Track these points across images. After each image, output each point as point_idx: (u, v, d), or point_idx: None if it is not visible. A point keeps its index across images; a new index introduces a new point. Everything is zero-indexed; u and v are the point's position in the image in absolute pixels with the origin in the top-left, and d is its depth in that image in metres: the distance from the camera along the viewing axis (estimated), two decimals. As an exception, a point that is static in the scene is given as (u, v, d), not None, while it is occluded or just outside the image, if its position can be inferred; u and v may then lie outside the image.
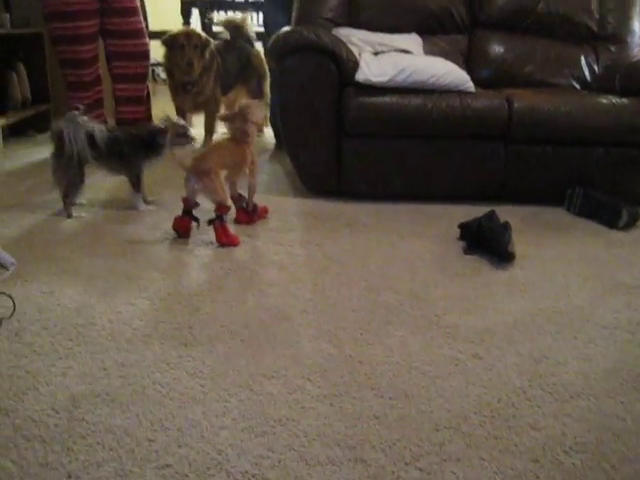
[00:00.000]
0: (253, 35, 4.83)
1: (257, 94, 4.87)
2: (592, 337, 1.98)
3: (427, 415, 1.57)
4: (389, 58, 3.25)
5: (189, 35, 4.24)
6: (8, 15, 4.55)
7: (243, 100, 2.92)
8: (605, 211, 3.10)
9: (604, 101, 3.33)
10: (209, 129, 4.57)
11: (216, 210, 2.64)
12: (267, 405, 1.59)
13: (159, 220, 2.91)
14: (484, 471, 1.38)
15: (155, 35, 4.46)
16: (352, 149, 3.23)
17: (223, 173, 2.66)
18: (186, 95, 4.39)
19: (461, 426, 1.53)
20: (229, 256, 2.53)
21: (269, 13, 4.39)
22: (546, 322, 2.06)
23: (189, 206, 2.71)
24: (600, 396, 1.67)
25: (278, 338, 1.91)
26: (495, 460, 1.41)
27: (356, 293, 2.22)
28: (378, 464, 1.39)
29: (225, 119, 2.95)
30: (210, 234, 2.66)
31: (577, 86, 3.86)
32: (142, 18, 4.30)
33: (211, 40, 4.37)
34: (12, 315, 2.00)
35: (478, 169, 3.24)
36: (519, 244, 2.62)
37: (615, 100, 3.32)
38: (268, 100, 4.76)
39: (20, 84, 4.63)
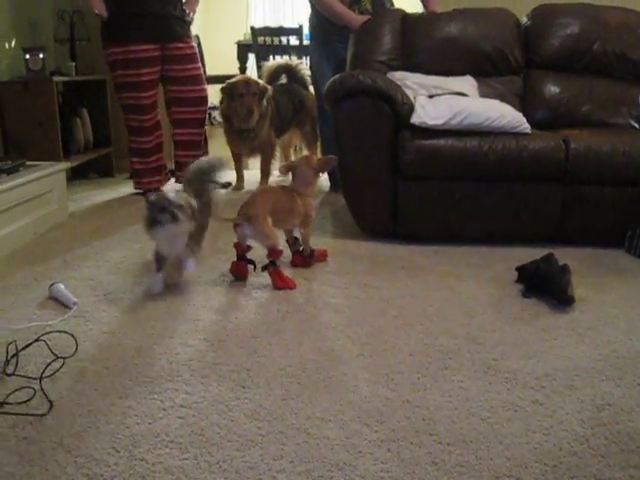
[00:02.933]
0: (307, 78, 4.92)
1: (311, 136, 4.95)
2: (657, 384, 1.93)
3: (486, 462, 1.54)
4: (445, 101, 3.27)
5: (248, 83, 4.32)
6: (74, 64, 4.73)
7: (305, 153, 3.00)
8: (667, 253, 3.04)
9: (663, 140, 3.28)
10: (265, 172, 4.65)
11: (268, 255, 2.67)
12: (324, 449, 1.58)
13: (216, 262, 2.95)
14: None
15: (212, 80, 4.57)
16: (408, 191, 3.24)
17: (270, 218, 2.67)
18: (242, 141, 4.47)
19: (522, 475, 1.49)
20: (286, 298, 2.55)
21: (314, 57, 4.45)
22: (608, 367, 2.01)
23: (242, 251, 2.74)
24: (667, 446, 1.62)
25: (335, 381, 1.90)
26: (558, 510, 1.38)
27: (413, 337, 2.21)
28: (437, 512, 1.37)
29: (287, 169, 2.93)
30: (267, 276, 2.68)
31: (636, 125, 3.81)
32: (201, 64, 4.42)
33: (268, 87, 4.46)
34: (74, 354, 2.05)
35: (535, 211, 3.20)
36: (578, 287, 2.58)
37: (676, 139, 3.26)
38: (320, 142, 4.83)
39: (83, 129, 4.79)
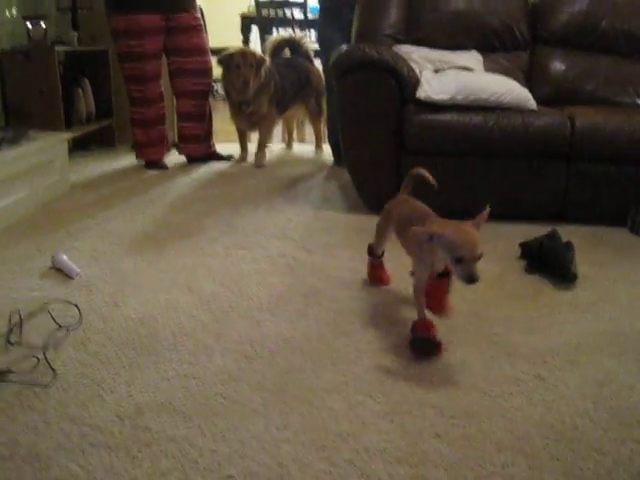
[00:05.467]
0: (311, 52, 4.88)
1: (315, 111, 4.92)
2: (658, 361, 1.94)
3: (489, 435, 1.55)
4: (450, 76, 3.24)
5: (245, 54, 4.28)
6: (76, 34, 4.69)
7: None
8: (670, 231, 3.03)
9: (669, 120, 3.26)
10: (261, 143, 4.58)
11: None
12: (328, 420, 1.59)
13: (219, 234, 2.94)
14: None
15: (214, 52, 4.53)
16: (412, 166, 3.22)
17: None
18: (242, 114, 4.44)
19: (524, 447, 1.50)
20: (290, 271, 2.55)
21: (324, 30, 4.40)
22: (609, 344, 2.02)
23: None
24: (668, 421, 1.63)
25: (339, 353, 1.91)
26: (560, 483, 1.39)
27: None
28: (440, 483, 1.38)
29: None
30: (269, 248, 2.68)
31: (642, 104, 3.80)
32: (205, 36, 4.39)
33: (266, 59, 4.41)
34: (78, 324, 2.05)
35: (539, 188, 3.19)
36: (581, 264, 2.57)
37: (681, 118, 3.25)
38: (325, 117, 4.81)
39: (85, 99, 4.75)
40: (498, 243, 2.91)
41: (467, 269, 1.74)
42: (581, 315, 2.22)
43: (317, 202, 3.54)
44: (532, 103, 3.23)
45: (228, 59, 4.28)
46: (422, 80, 3.20)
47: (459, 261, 1.74)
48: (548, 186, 3.19)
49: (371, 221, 3.12)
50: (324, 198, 3.62)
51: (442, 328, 2.06)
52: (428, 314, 1.99)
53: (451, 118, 3.14)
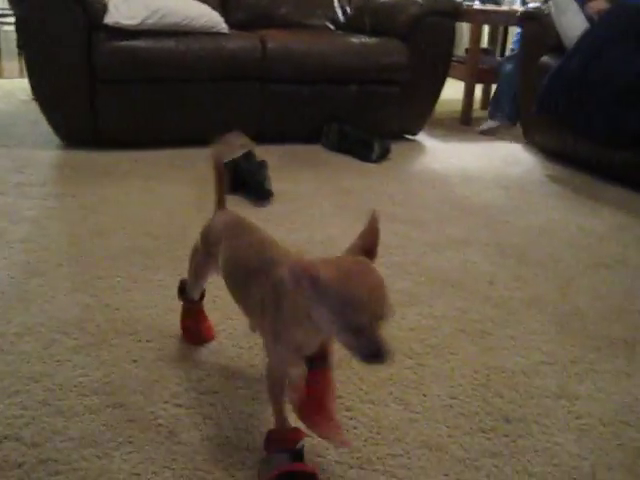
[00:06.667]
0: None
1: None
2: (345, 263, 2.11)
3: (183, 353, 1.60)
4: (139, 0, 3.15)
5: None
6: None
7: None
8: (358, 146, 3.28)
9: (354, 41, 3.49)
10: None
11: None
12: (20, 363, 1.53)
13: None
14: (242, 400, 1.44)
15: None
16: (107, 96, 3.13)
17: None
18: None
19: (219, 360, 1.57)
20: (-24, 215, 2.38)
21: None
22: (305, 249, 2.15)
23: None
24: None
25: (31, 294, 1.83)
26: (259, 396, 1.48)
27: (114, 242, 2.18)
28: (137, 406, 1.40)
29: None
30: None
31: (331, 27, 4.00)
32: None
33: None
34: None
35: (235, 110, 3.27)
36: (277, 181, 2.70)
37: (364, 40, 3.49)
38: None
39: None
40: (197, 167, 2.96)
41: (372, 341, 0.99)
42: (277, 228, 2.33)
43: (7, 140, 3.31)
44: (223, 27, 3.27)
45: None
46: (110, 5, 3.08)
47: (358, 332, 0.98)
48: (244, 108, 3.29)
49: (67, 155, 3.01)
50: (15, 135, 3.39)
51: (138, 256, 2.05)
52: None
53: (144, 44, 3.08)
